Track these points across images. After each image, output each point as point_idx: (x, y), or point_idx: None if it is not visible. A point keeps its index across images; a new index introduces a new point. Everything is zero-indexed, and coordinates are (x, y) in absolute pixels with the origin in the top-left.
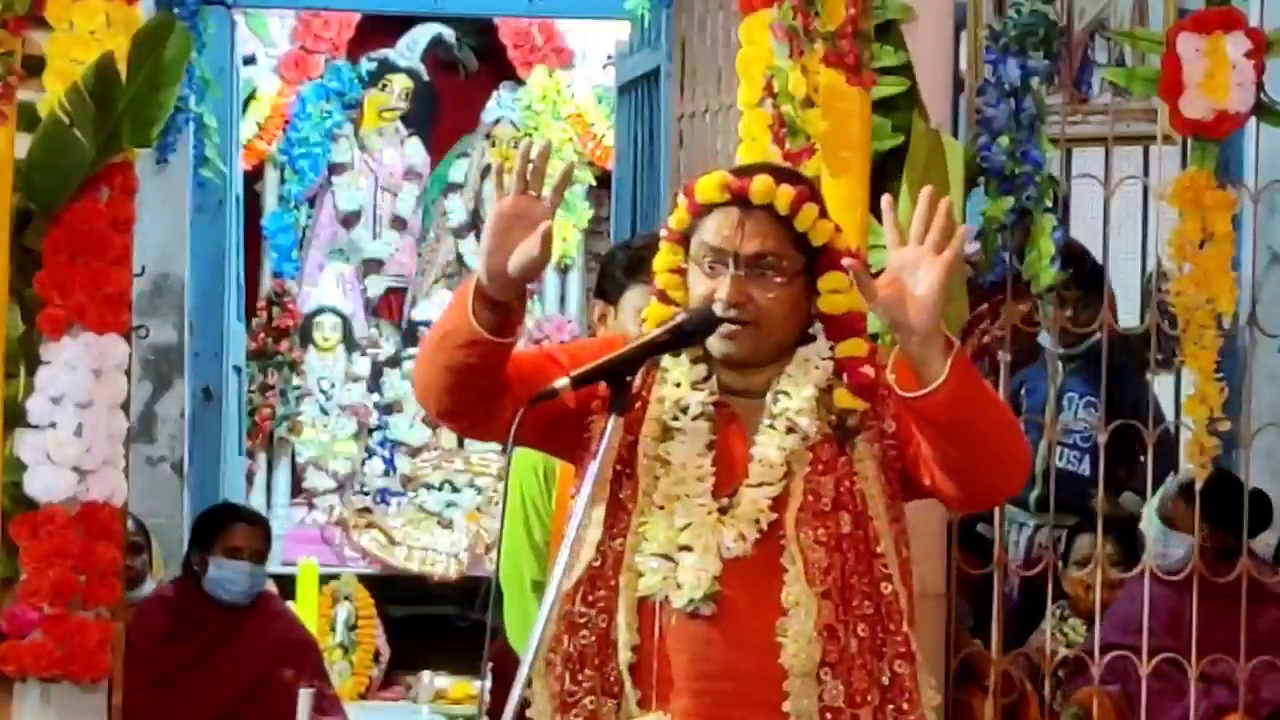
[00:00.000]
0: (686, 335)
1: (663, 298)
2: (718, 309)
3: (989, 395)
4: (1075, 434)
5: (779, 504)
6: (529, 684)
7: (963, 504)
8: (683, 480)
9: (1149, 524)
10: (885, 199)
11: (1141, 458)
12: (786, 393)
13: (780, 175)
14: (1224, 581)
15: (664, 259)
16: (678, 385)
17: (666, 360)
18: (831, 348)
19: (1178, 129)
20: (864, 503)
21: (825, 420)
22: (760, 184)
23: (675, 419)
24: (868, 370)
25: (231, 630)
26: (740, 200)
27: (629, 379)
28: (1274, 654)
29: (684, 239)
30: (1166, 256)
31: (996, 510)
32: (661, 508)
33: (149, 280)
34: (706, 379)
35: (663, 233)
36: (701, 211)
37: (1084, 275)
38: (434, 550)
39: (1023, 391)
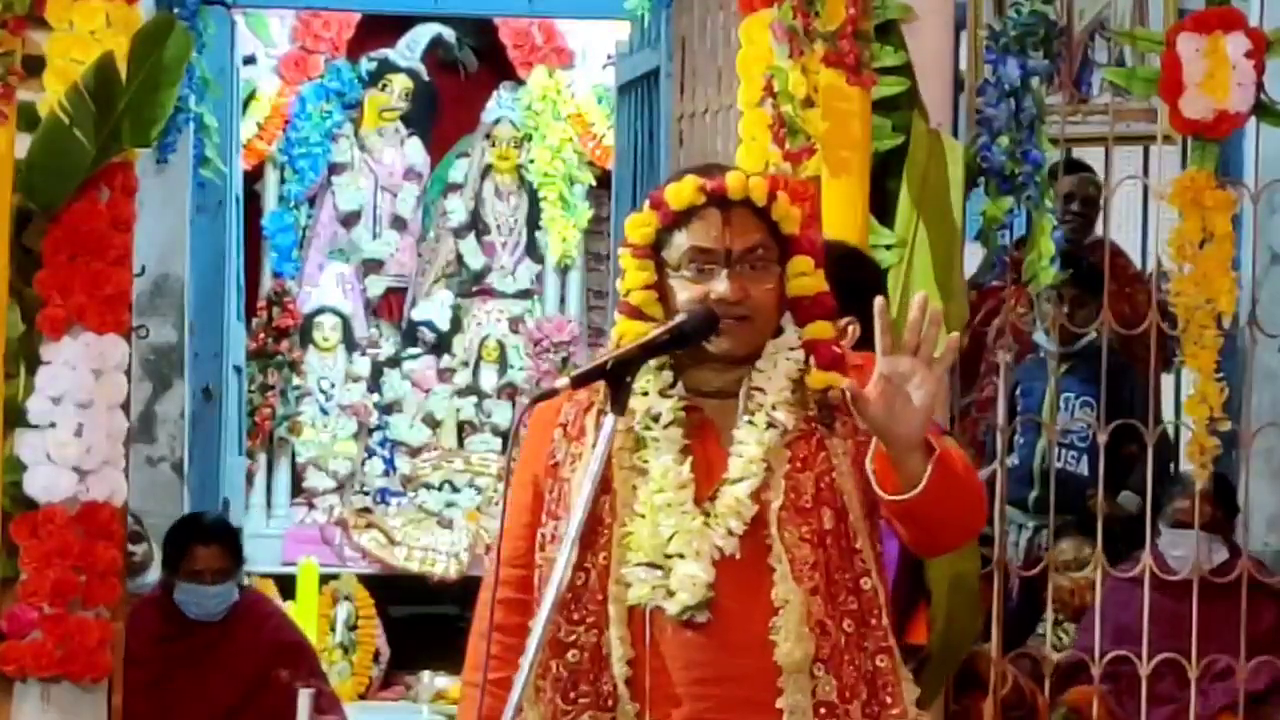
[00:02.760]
0: (686, 336)
1: (637, 315)
2: (718, 309)
3: (960, 484)
4: (1072, 434)
5: (759, 500)
6: (520, 710)
7: (910, 549)
8: (663, 488)
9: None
10: (878, 303)
11: (1129, 448)
12: (761, 388)
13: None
14: (1221, 583)
15: (635, 276)
16: (645, 394)
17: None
18: (799, 335)
19: (1178, 129)
20: (841, 498)
21: (801, 416)
22: (735, 180)
23: (648, 428)
24: (836, 349)
25: (224, 633)
26: (718, 199)
27: (628, 379)
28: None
29: (650, 252)
30: (1166, 256)
31: (997, 511)
32: (643, 516)
33: (149, 280)
34: (673, 385)
35: (625, 250)
36: (678, 219)
37: (1082, 274)
38: (434, 550)
39: (1018, 392)
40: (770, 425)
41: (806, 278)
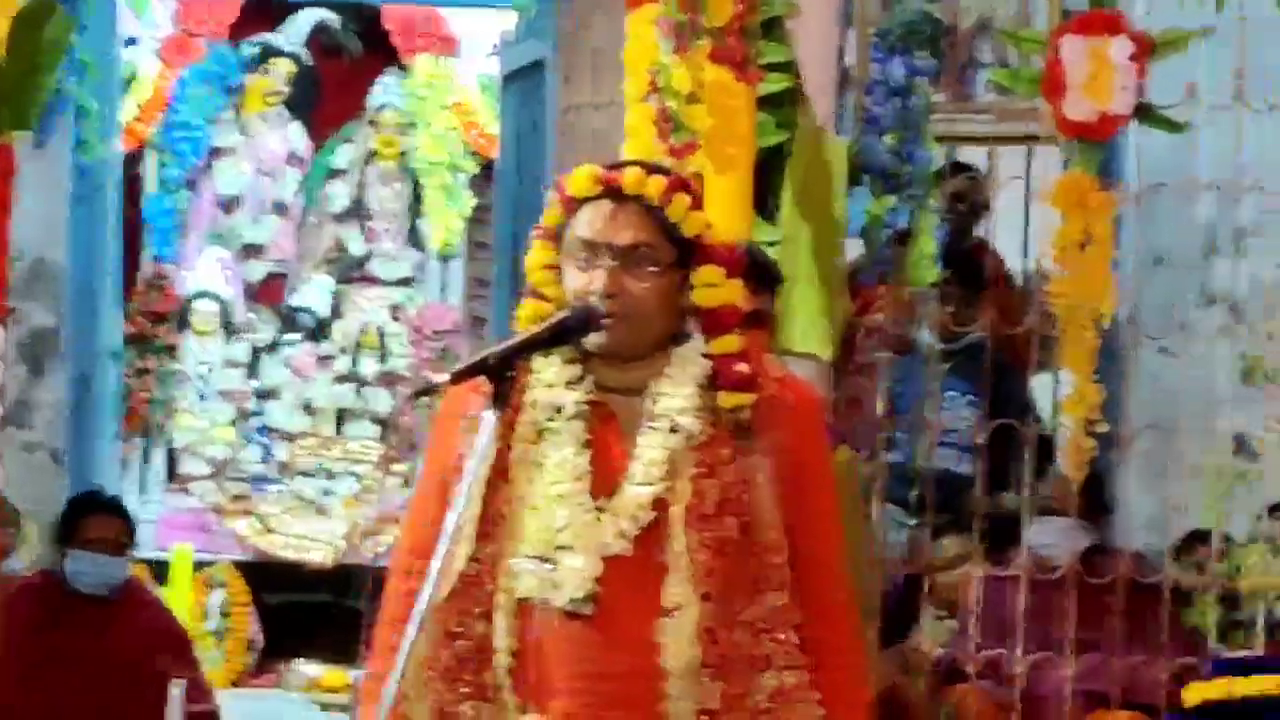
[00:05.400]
0: (568, 332)
1: (536, 295)
2: (591, 301)
3: None
4: (955, 433)
5: (661, 504)
6: (403, 698)
7: None
8: (559, 480)
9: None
10: None
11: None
12: (666, 393)
13: (651, 169)
14: (1099, 584)
15: (537, 256)
16: (550, 386)
17: (538, 362)
18: (707, 342)
19: (1061, 130)
20: (752, 511)
21: (709, 421)
22: (631, 175)
23: (550, 419)
24: (742, 367)
25: (100, 620)
26: (612, 192)
27: (509, 375)
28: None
29: (556, 235)
30: (1047, 257)
31: (875, 509)
32: (536, 509)
33: (26, 265)
34: (581, 379)
35: (535, 231)
36: (573, 206)
37: (966, 273)
38: (310, 538)
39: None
40: (674, 430)
41: (715, 288)
